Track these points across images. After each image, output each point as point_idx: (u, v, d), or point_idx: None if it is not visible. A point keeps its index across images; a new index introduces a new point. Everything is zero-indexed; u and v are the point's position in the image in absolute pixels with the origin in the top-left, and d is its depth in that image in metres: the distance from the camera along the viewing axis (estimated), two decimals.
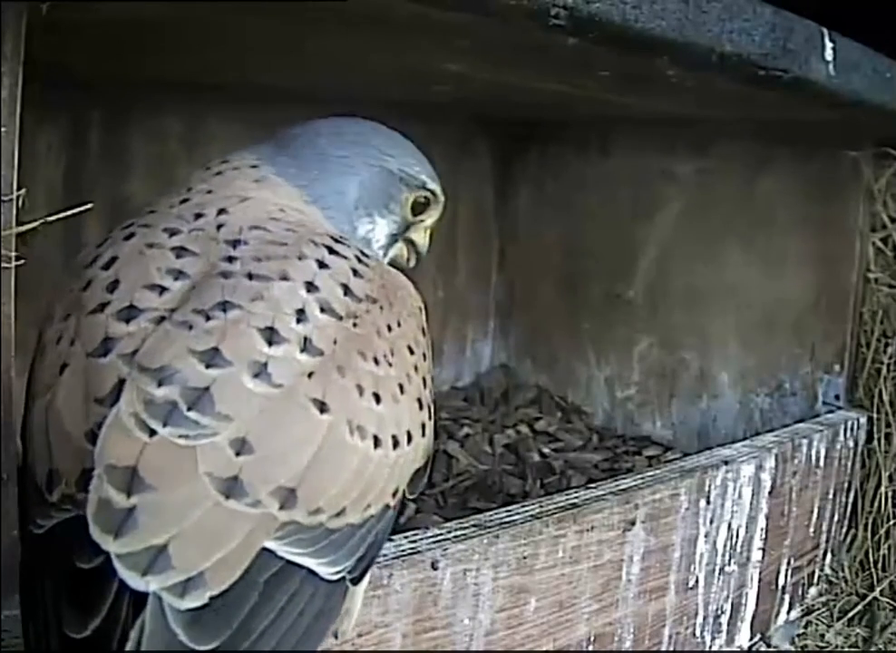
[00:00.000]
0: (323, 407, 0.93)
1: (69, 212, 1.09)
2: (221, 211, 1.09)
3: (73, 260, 1.12)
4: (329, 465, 0.93)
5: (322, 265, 1.04)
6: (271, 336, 0.94)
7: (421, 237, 1.36)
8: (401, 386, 1.05)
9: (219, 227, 1.06)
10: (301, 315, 0.97)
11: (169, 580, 0.80)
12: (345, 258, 1.08)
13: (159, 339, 0.93)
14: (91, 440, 0.87)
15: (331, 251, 1.07)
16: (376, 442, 0.99)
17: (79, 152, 2.21)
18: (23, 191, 0.99)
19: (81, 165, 2.21)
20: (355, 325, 1.02)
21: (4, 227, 0.98)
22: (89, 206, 1.12)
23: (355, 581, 0.99)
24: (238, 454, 0.87)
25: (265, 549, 0.87)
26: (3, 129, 0.95)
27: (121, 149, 2.29)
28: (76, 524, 0.83)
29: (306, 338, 0.96)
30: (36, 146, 2.10)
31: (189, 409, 0.87)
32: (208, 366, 0.90)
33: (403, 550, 1.32)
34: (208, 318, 0.93)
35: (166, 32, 1.39)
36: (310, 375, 0.94)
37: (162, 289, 0.98)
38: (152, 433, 0.85)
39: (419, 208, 1.32)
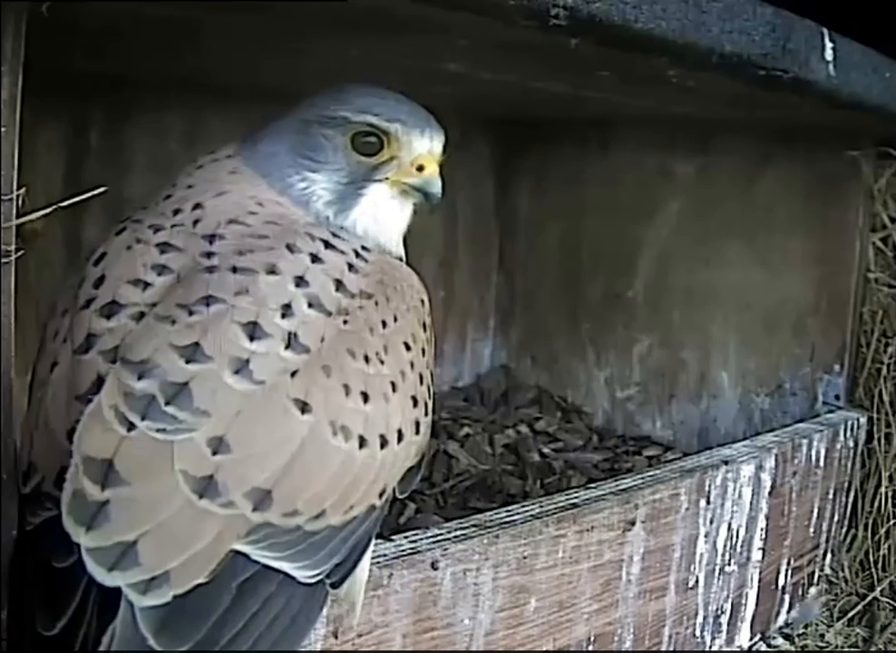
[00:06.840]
0: (305, 407, 0.93)
1: (79, 197, 1.06)
2: (197, 206, 1.08)
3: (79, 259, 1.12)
4: (309, 467, 0.92)
5: (316, 259, 1.03)
6: (254, 331, 0.93)
7: (411, 175, 1.19)
8: (393, 384, 1.04)
9: (196, 222, 1.05)
10: (287, 310, 0.96)
11: (134, 577, 0.80)
12: (342, 252, 1.06)
13: (142, 333, 0.92)
14: (70, 438, 0.87)
15: (328, 245, 1.06)
16: (362, 442, 0.98)
17: (79, 151, 2.21)
18: (23, 190, 0.98)
19: (81, 163, 2.21)
20: (345, 322, 1.00)
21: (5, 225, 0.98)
22: (102, 190, 1.09)
23: (336, 585, 0.97)
24: (214, 453, 0.86)
25: (239, 553, 0.87)
26: (3, 128, 0.95)
27: (122, 147, 2.28)
28: (56, 523, 0.84)
29: (291, 334, 0.95)
30: (36, 145, 2.09)
31: (167, 404, 0.87)
32: (188, 361, 0.89)
33: (403, 550, 1.32)
34: (190, 313, 0.93)
35: (165, 31, 1.39)
36: (294, 373, 0.93)
37: (146, 285, 0.97)
38: (131, 426, 0.85)
39: (369, 147, 1.16)
